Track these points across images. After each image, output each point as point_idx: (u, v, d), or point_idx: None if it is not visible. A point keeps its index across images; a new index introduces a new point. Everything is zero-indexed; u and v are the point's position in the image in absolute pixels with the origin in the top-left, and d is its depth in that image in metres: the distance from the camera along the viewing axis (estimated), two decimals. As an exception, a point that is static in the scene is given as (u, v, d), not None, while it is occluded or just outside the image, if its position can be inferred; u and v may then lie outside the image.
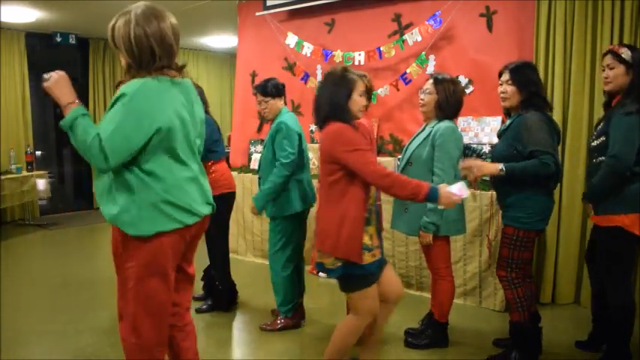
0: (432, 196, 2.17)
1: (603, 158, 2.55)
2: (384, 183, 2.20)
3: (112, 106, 1.75)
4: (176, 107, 1.83)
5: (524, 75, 2.67)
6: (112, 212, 1.80)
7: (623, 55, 2.54)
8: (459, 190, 2.20)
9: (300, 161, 3.22)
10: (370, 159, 2.24)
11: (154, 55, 1.78)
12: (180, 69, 1.89)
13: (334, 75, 2.35)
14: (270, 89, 3.26)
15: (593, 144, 2.66)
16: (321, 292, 4.08)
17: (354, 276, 2.28)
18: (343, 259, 2.23)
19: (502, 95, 2.74)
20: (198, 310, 3.61)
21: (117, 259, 1.94)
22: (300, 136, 3.22)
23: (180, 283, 2.02)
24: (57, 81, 1.78)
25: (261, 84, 3.31)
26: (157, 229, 1.80)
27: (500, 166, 2.59)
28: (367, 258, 2.27)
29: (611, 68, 2.57)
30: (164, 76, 1.81)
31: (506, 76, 2.72)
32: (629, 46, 2.60)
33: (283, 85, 3.34)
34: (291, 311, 3.32)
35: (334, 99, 2.29)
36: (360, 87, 2.33)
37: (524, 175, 2.56)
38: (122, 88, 1.76)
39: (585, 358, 2.89)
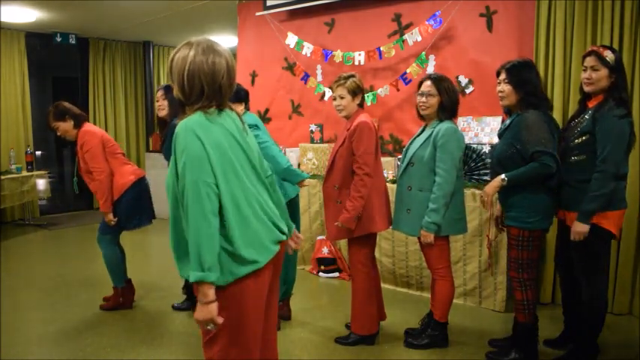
0: None
1: (584, 157, 2.56)
2: None
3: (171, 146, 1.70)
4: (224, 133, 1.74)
5: (520, 74, 2.68)
6: None
7: (607, 59, 2.52)
8: None
9: None
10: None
11: (202, 93, 1.73)
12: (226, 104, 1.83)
13: None
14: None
15: (575, 141, 2.61)
16: (320, 292, 4.09)
17: None
18: None
19: (500, 94, 2.77)
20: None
21: None
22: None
23: None
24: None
25: None
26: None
27: (502, 176, 2.65)
28: None
29: (595, 70, 2.55)
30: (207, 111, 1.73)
31: (502, 75, 2.74)
32: (610, 48, 2.60)
33: (246, 93, 3.38)
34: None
35: None
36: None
37: (525, 180, 2.61)
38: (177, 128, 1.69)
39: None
